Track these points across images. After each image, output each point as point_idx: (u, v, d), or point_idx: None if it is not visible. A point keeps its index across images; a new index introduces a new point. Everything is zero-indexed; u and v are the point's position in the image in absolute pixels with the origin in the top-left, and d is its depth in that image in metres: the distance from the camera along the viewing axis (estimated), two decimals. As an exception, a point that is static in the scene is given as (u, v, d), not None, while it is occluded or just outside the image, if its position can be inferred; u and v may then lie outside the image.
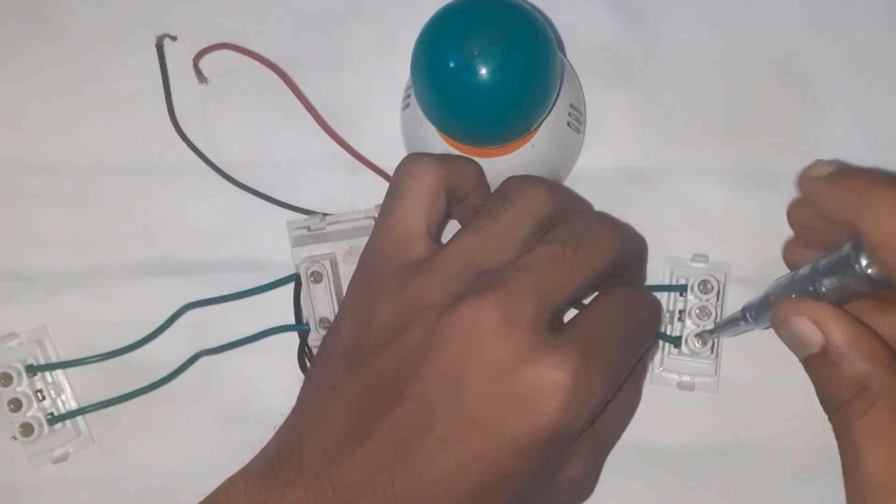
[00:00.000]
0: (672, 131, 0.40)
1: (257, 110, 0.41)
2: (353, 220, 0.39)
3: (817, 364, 0.27)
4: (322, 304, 0.37)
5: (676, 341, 0.37)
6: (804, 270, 0.29)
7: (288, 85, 0.40)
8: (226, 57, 0.40)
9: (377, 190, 0.39)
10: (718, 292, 0.37)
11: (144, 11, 0.42)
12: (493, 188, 0.36)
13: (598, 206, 0.38)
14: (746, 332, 0.34)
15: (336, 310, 0.37)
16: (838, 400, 0.26)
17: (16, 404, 0.38)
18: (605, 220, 0.33)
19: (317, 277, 0.37)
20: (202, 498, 0.31)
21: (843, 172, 0.28)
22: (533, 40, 0.32)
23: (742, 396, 0.38)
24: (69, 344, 0.40)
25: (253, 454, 0.32)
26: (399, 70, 0.37)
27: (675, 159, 0.40)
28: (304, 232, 0.39)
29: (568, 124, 0.37)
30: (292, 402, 0.33)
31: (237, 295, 0.39)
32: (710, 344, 0.37)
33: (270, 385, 0.39)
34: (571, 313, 0.35)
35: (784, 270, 0.32)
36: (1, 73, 0.42)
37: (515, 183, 0.33)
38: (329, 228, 0.39)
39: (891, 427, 0.25)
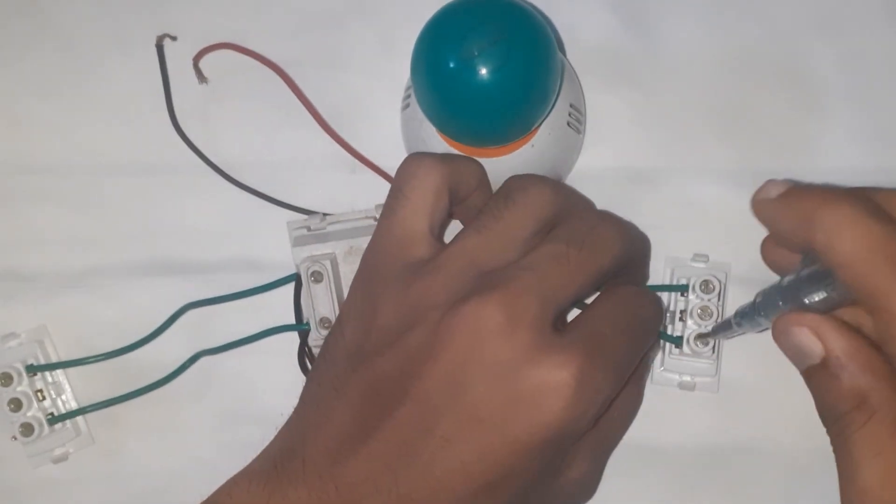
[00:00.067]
0: (672, 131, 0.40)
1: (257, 110, 0.41)
2: (353, 220, 0.39)
3: (817, 375, 0.27)
4: (322, 303, 0.37)
5: (678, 341, 0.37)
6: (789, 278, 0.29)
7: (288, 85, 0.40)
8: (226, 57, 0.40)
9: (377, 190, 0.39)
10: (720, 292, 0.37)
11: (144, 11, 0.42)
12: (493, 188, 0.36)
13: (598, 207, 0.38)
14: (741, 335, 0.34)
15: (336, 310, 0.37)
16: (837, 411, 0.26)
17: (16, 404, 0.38)
18: (609, 218, 0.33)
19: (317, 277, 0.37)
20: (202, 498, 0.31)
21: (793, 193, 0.28)
22: (533, 40, 0.32)
23: (743, 397, 0.38)
24: (69, 344, 0.40)
25: (253, 454, 0.31)
26: (399, 70, 0.37)
27: (675, 159, 0.40)
28: (305, 232, 0.39)
29: (568, 124, 0.37)
30: (293, 402, 0.32)
31: (237, 295, 0.39)
32: (710, 344, 0.37)
33: (271, 385, 0.40)
34: (574, 313, 0.36)
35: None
36: (1, 73, 0.42)
37: (518, 182, 0.33)
38: (329, 228, 0.39)
39: (888, 440, 0.25)
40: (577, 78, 0.39)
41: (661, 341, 0.37)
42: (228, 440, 0.40)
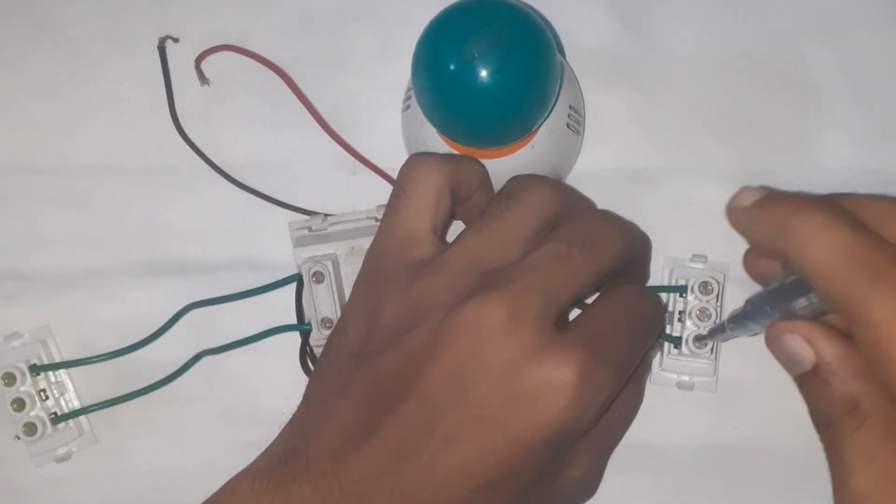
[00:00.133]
0: (671, 132, 0.40)
1: (259, 111, 0.41)
2: (354, 221, 0.39)
3: (809, 382, 0.27)
4: (324, 304, 0.37)
5: (677, 341, 0.37)
6: (775, 285, 0.29)
7: (289, 86, 0.40)
8: (228, 58, 0.40)
9: (378, 190, 0.39)
10: (718, 294, 0.37)
11: (147, 13, 0.42)
12: (494, 189, 0.36)
13: (598, 207, 0.38)
14: (735, 338, 0.34)
15: (338, 310, 0.37)
16: (829, 417, 0.26)
17: (19, 404, 0.38)
18: (610, 218, 0.34)
19: (319, 278, 0.37)
20: (205, 497, 0.31)
21: (766, 202, 0.28)
22: (533, 43, 0.32)
23: (741, 396, 0.38)
24: (72, 344, 0.41)
25: (255, 453, 0.32)
26: (400, 71, 0.37)
27: (674, 160, 0.40)
28: (306, 232, 0.39)
29: (567, 126, 0.37)
30: (294, 401, 0.33)
31: (239, 295, 0.39)
32: (709, 345, 0.37)
33: (272, 385, 0.40)
34: (574, 313, 0.36)
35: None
36: (2, 73, 0.42)
37: (520, 182, 0.33)
38: (330, 229, 0.39)
39: (880, 445, 0.25)
40: (577, 79, 0.39)
41: (661, 341, 0.37)
42: (230, 439, 0.40)
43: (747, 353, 0.38)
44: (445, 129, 0.35)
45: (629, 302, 0.33)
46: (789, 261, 0.26)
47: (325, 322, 0.37)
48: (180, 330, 0.39)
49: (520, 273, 0.30)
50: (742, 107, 0.40)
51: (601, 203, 0.38)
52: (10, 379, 0.39)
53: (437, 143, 0.37)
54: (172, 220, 0.41)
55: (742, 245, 0.38)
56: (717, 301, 0.37)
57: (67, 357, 0.40)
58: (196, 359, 0.39)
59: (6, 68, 0.42)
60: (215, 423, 0.40)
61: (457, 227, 0.36)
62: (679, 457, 0.39)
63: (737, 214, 0.29)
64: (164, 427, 0.40)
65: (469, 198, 0.35)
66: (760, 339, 0.34)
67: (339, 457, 0.29)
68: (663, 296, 0.38)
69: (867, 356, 0.25)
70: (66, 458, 0.40)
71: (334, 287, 0.37)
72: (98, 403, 0.39)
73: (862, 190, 0.38)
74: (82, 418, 0.40)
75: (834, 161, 0.39)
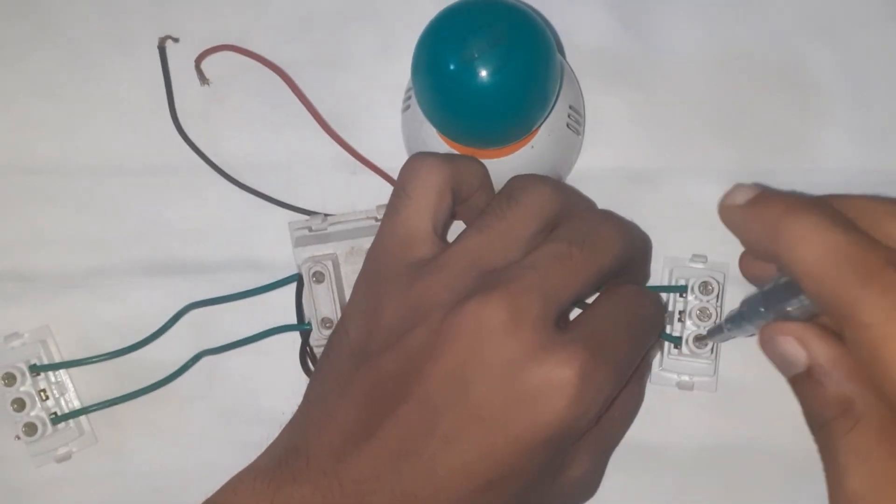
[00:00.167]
0: (671, 132, 0.40)
1: (259, 111, 0.41)
2: (354, 221, 0.39)
3: (802, 383, 0.27)
4: (324, 304, 0.37)
5: (677, 341, 0.37)
6: (769, 286, 0.29)
7: (289, 86, 0.40)
8: (228, 58, 0.40)
9: (378, 190, 0.39)
10: (718, 294, 0.37)
11: (147, 13, 0.42)
12: (494, 189, 0.36)
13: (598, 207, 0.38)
14: (733, 338, 0.34)
15: (338, 310, 0.37)
16: (822, 418, 0.26)
17: (19, 404, 0.38)
18: (610, 218, 0.34)
19: (319, 278, 0.37)
20: (205, 497, 0.31)
21: (758, 201, 0.28)
22: (533, 43, 0.32)
23: (741, 396, 0.38)
24: (72, 344, 0.41)
25: (256, 453, 0.32)
26: (400, 71, 0.37)
27: (674, 160, 0.40)
28: (306, 232, 0.39)
29: (567, 125, 0.37)
30: (294, 402, 0.33)
31: (239, 295, 0.39)
32: (709, 345, 0.37)
33: (272, 385, 0.40)
34: (575, 313, 0.36)
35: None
36: (2, 73, 0.42)
37: (520, 182, 0.33)
38: (330, 229, 0.39)
39: (874, 446, 0.25)
40: (577, 79, 0.39)
41: (662, 341, 0.37)
42: (230, 440, 0.40)
43: (747, 353, 0.38)
44: (445, 130, 0.35)
45: (629, 302, 0.33)
46: (780, 263, 0.26)
47: (325, 322, 0.37)
48: (180, 330, 0.39)
49: (520, 273, 0.30)
50: (742, 107, 0.40)
51: (601, 203, 0.38)
52: (10, 379, 0.39)
53: (438, 143, 0.37)
54: (172, 220, 0.41)
55: (741, 246, 0.38)
56: (717, 301, 0.37)
57: (68, 357, 0.40)
58: (196, 359, 0.39)
59: (6, 68, 0.42)
60: (215, 424, 0.40)
61: (457, 227, 0.36)
62: (679, 457, 0.39)
63: (729, 213, 0.29)
64: (165, 427, 0.40)
65: (469, 198, 0.35)
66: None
67: (339, 457, 0.29)
68: (663, 296, 0.38)
69: (859, 358, 0.25)
70: (67, 458, 0.40)
71: (334, 287, 0.37)
72: (98, 403, 0.39)
73: (862, 190, 0.39)
74: (82, 418, 0.40)
75: (834, 161, 0.39)
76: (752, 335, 0.32)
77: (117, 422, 0.40)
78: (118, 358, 0.39)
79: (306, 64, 0.41)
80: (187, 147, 0.40)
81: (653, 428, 0.38)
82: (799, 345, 0.27)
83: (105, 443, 0.40)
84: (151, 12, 0.42)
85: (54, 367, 0.39)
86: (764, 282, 0.30)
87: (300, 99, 0.40)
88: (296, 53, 0.41)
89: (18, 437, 0.39)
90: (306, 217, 0.40)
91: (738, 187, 0.29)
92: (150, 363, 0.39)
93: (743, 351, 0.38)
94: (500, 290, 0.29)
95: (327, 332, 0.37)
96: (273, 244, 0.40)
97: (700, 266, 0.38)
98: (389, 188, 0.34)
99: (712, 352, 0.37)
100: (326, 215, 0.39)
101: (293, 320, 0.39)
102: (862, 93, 0.40)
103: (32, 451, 0.39)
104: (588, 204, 0.38)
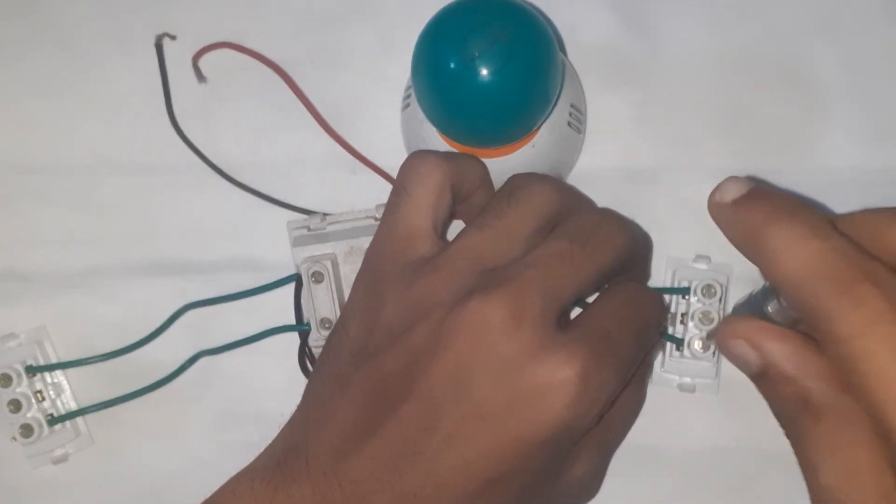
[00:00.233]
0: (672, 131, 0.40)
1: (257, 110, 0.41)
2: (353, 220, 0.39)
3: (761, 383, 0.27)
4: (323, 304, 0.37)
5: (679, 342, 0.37)
6: (757, 289, 0.29)
7: (288, 84, 0.40)
8: (225, 56, 0.40)
9: (377, 190, 0.39)
10: (721, 297, 0.37)
11: (144, 11, 0.42)
12: (494, 188, 0.36)
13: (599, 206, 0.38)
14: None
15: (337, 310, 0.37)
16: (787, 417, 0.26)
17: (15, 405, 0.38)
18: (611, 216, 0.33)
19: (318, 277, 0.37)
20: (202, 499, 0.31)
21: (745, 201, 0.27)
22: (534, 41, 0.32)
23: (743, 398, 0.38)
24: (69, 344, 0.40)
25: (253, 454, 0.31)
26: (399, 70, 0.37)
27: (676, 159, 0.40)
28: (305, 232, 0.39)
29: (569, 124, 0.37)
30: (293, 402, 0.33)
31: (237, 295, 0.39)
32: (711, 348, 0.37)
33: (271, 385, 0.39)
34: (575, 313, 0.35)
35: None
36: (2, 73, 0.42)
37: (521, 180, 0.33)
38: (329, 228, 0.39)
39: (841, 437, 0.25)
40: (578, 78, 0.39)
41: (663, 341, 0.37)
42: (228, 440, 0.40)
43: (749, 354, 0.38)
44: (445, 129, 0.35)
45: (630, 300, 0.33)
46: (761, 269, 0.26)
47: (324, 322, 0.37)
48: (178, 330, 0.39)
49: (521, 271, 0.30)
50: (743, 106, 0.40)
51: (602, 202, 0.38)
52: (6, 380, 0.38)
53: (437, 142, 0.36)
54: (170, 219, 0.41)
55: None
56: (720, 304, 0.37)
57: (64, 357, 0.40)
58: (194, 359, 0.39)
59: (6, 68, 0.42)
60: (213, 424, 0.40)
61: (457, 226, 0.36)
62: (681, 459, 0.39)
63: (716, 210, 0.28)
64: (162, 428, 0.40)
65: (469, 196, 0.35)
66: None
67: (339, 456, 0.29)
68: (665, 297, 0.38)
69: (841, 369, 0.24)
70: (63, 459, 0.40)
71: (333, 287, 0.37)
72: (95, 404, 0.39)
73: (863, 189, 0.39)
74: (79, 419, 0.40)
75: (836, 160, 0.39)
76: None
77: (114, 423, 0.40)
78: (115, 359, 0.39)
79: (305, 62, 0.41)
80: (185, 146, 0.40)
81: (654, 430, 0.38)
82: (749, 346, 0.26)
83: (102, 444, 0.40)
84: (150, 11, 0.42)
85: (51, 367, 0.39)
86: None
87: (299, 97, 0.40)
88: (294, 51, 0.41)
89: (15, 439, 0.39)
90: (305, 216, 0.39)
91: (729, 181, 0.28)
92: (148, 364, 0.39)
93: (745, 352, 0.38)
94: (500, 288, 0.29)
95: (326, 333, 0.37)
96: (271, 244, 0.40)
97: (703, 267, 0.38)
98: (389, 187, 0.34)
99: (714, 354, 0.37)
100: (325, 215, 0.39)
101: (292, 320, 0.39)
102: (864, 92, 0.40)
103: (29, 452, 0.39)
104: (588, 202, 0.38)
